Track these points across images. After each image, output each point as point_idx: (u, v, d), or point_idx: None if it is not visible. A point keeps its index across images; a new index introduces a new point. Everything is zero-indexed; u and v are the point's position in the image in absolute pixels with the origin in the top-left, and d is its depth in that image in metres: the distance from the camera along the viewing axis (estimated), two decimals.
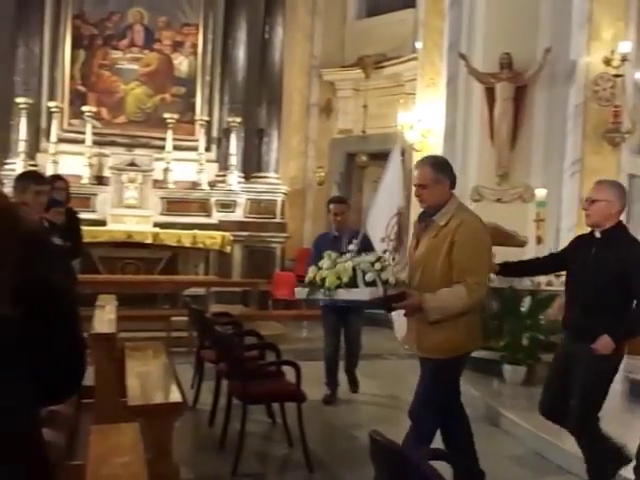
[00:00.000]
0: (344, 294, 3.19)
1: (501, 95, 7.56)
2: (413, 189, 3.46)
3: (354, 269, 3.15)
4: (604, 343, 3.39)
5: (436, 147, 8.83)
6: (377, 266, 3.17)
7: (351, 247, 3.43)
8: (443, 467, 2.16)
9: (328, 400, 5.69)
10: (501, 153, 7.62)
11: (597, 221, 3.58)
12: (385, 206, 5.67)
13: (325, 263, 3.26)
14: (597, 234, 3.63)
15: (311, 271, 3.31)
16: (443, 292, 3.20)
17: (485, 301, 3.48)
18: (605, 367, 3.51)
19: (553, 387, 3.75)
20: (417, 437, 3.28)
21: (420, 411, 3.36)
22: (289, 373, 4.45)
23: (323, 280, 3.20)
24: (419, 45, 9.53)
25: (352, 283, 3.15)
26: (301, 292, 3.37)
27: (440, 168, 3.38)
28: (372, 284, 3.13)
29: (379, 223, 5.00)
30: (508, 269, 3.91)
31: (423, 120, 9.10)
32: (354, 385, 5.96)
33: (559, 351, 3.87)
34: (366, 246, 4.13)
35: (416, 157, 9.46)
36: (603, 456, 3.59)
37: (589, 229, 3.71)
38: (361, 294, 3.16)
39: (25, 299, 1.15)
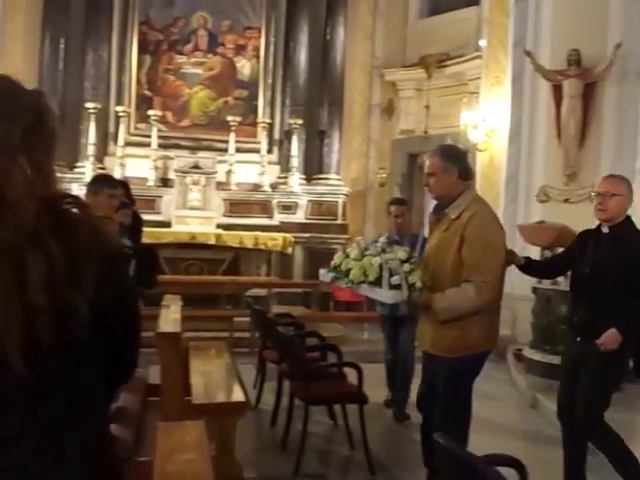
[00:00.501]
0: (367, 291, 3.12)
1: (569, 93, 7.36)
2: None
3: (381, 267, 3.05)
4: (610, 337, 3.29)
5: (501, 147, 8.67)
6: (406, 267, 3.06)
7: (381, 239, 3.36)
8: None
9: (389, 403, 5.55)
10: (569, 152, 7.42)
11: (613, 216, 3.47)
12: None
13: (353, 252, 3.17)
14: (605, 229, 3.52)
15: (337, 257, 3.25)
16: (451, 292, 3.10)
17: (499, 302, 3.27)
18: (611, 365, 3.43)
19: (565, 392, 3.66)
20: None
21: (444, 416, 3.25)
22: (351, 375, 4.43)
23: (348, 270, 3.12)
24: (483, 43, 9.37)
25: (377, 282, 3.06)
26: (325, 275, 3.30)
27: (449, 157, 3.28)
28: (397, 287, 3.03)
29: None
30: (529, 267, 3.68)
31: (487, 119, 8.94)
32: (401, 416, 5.24)
33: (565, 354, 3.80)
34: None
35: (480, 157, 9.31)
36: (622, 454, 3.46)
37: (595, 224, 3.64)
38: (384, 296, 3.09)
39: (100, 316, 1.19)
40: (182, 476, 1.84)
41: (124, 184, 6.08)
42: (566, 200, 7.27)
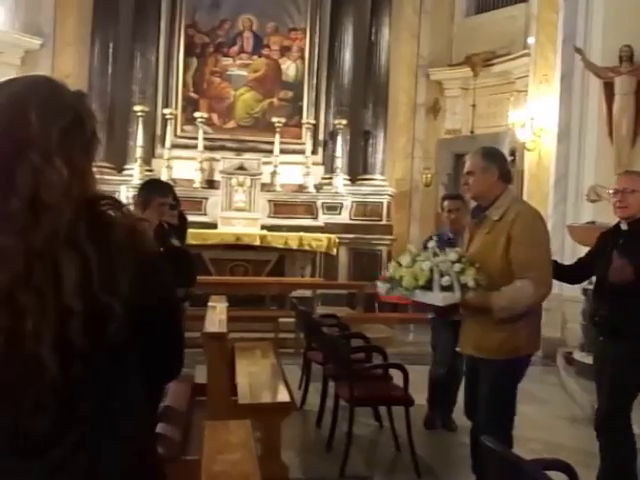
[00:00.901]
0: (420, 296, 3.07)
1: (621, 90, 7.18)
2: None
3: (431, 270, 3.01)
4: None
5: (550, 146, 8.49)
6: (457, 267, 3.00)
7: (430, 244, 3.27)
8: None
9: (433, 422, 5.04)
10: (621, 150, 7.23)
11: (635, 212, 3.41)
12: None
13: (404, 260, 3.13)
14: (624, 226, 3.45)
15: (391, 267, 3.21)
16: (509, 289, 3.04)
17: (542, 304, 3.24)
18: (632, 364, 3.35)
19: (599, 391, 3.61)
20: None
21: (490, 419, 3.17)
22: (396, 376, 4.40)
23: (401, 279, 3.08)
24: (532, 40, 9.19)
25: (428, 285, 3.01)
26: (382, 287, 3.26)
27: (490, 157, 3.28)
28: (448, 288, 2.98)
29: None
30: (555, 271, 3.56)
31: (536, 118, 8.76)
32: (452, 425, 4.99)
33: (594, 353, 3.76)
34: None
35: (528, 157, 9.15)
36: (626, 465, 3.40)
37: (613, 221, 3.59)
38: (435, 299, 3.03)
39: (138, 318, 1.19)
40: (229, 476, 1.84)
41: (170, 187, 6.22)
42: None
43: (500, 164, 3.26)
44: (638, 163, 7.15)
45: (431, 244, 3.22)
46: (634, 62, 7.08)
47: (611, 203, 3.57)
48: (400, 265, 3.13)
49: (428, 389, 5.04)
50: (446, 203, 5.02)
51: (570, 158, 7.88)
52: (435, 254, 3.10)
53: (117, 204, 1.24)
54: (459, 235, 4.46)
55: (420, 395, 4.56)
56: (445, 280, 2.98)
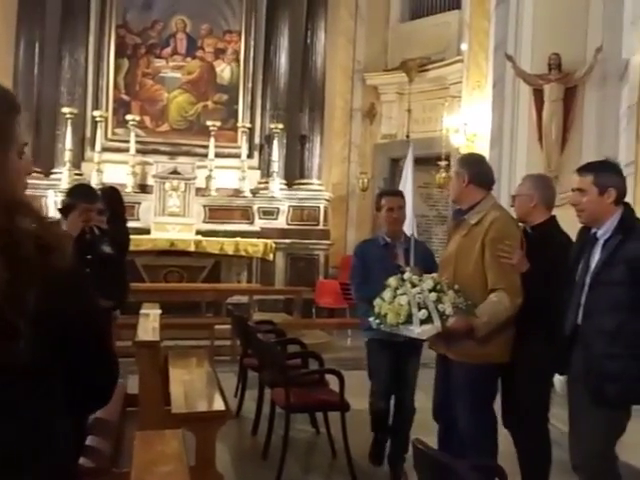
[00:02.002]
0: (405, 331, 3.07)
1: (550, 97, 7.35)
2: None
3: (409, 303, 3.00)
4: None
5: (483, 151, 8.63)
6: (432, 297, 2.99)
7: (406, 275, 3.19)
8: None
9: (379, 456, 4.37)
10: (550, 156, 7.40)
11: (520, 215, 3.52)
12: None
13: (386, 295, 3.12)
14: (528, 229, 3.50)
15: (376, 303, 3.18)
16: (487, 305, 3.08)
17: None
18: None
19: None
20: (480, 452, 3.14)
21: (470, 422, 3.21)
22: (333, 382, 4.38)
23: (385, 315, 3.08)
24: (464, 47, 9.37)
25: (410, 320, 3.00)
26: (373, 323, 3.25)
27: (462, 162, 3.44)
28: (427, 321, 2.98)
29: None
30: None
31: (469, 124, 8.92)
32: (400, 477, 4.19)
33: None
34: (425, 256, 3.97)
35: None
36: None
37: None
38: (417, 333, 3.01)
39: (50, 339, 1.10)
40: None
41: (115, 191, 6.08)
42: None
43: (471, 169, 3.31)
44: (566, 168, 7.33)
45: (407, 275, 3.18)
46: (562, 70, 7.25)
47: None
48: (384, 301, 3.12)
49: (371, 422, 4.36)
50: (385, 200, 4.25)
51: (502, 163, 8.02)
52: (413, 284, 3.08)
53: (34, 213, 1.13)
54: (397, 239, 4.09)
55: (356, 400, 4.52)
56: (422, 314, 2.97)
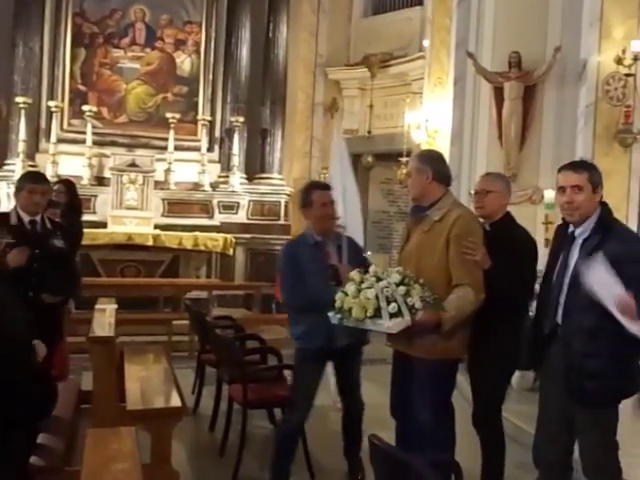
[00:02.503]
0: (372, 325, 3.03)
1: (510, 95, 7.43)
2: None
3: (377, 297, 2.96)
4: None
5: (444, 148, 8.69)
6: (401, 290, 2.97)
7: (372, 268, 3.15)
8: None
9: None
10: (510, 154, 7.49)
11: (491, 213, 3.55)
12: (355, 210, 5.34)
13: (350, 289, 3.06)
14: (487, 227, 3.53)
15: (338, 297, 3.11)
16: (455, 300, 3.09)
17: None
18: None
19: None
20: (439, 447, 3.15)
21: (431, 419, 3.20)
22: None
23: (350, 309, 3.03)
24: (426, 43, 9.41)
25: (378, 314, 2.96)
26: (333, 318, 3.15)
27: (424, 159, 3.39)
28: (397, 314, 2.95)
29: (355, 231, 4.60)
30: None
31: (430, 120, 8.96)
32: (358, 472, 4.11)
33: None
34: (357, 254, 3.90)
35: None
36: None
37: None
38: (387, 327, 2.98)
39: None
40: None
41: (70, 184, 5.99)
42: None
43: (435, 166, 3.31)
44: (525, 166, 7.44)
45: (372, 268, 3.15)
46: (522, 68, 7.34)
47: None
48: (347, 295, 3.06)
49: (275, 450, 3.87)
50: (317, 195, 3.79)
51: (463, 160, 8.09)
52: (378, 278, 3.04)
53: None
54: (329, 237, 3.78)
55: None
56: (392, 307, 2.94)
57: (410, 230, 3.38)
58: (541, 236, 6.58)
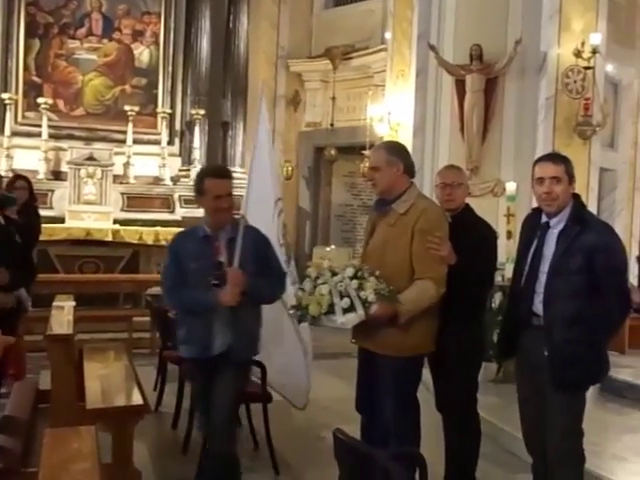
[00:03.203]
0: (327, 322, 2.96)
1: (471, 87, 7.44)
2: None
3: (331, 293, 2.90)
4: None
5: (406, 140, 8.69)
6: (354, 284, 2.91)
7: (325, 263, 3.09)
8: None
9: None
10: (472, 146, 7.51)
11: (459, 205, 3.56)
12: (264, 196, 4.64)
13: (306, 285, 3.00)
14: (448, 219, 3.50)
15: (294, 295, 3.06)
16: (413, 292, 3.05)
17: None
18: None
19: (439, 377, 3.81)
20: (407, 443, 3.11)
21: (398, 415, 3.18)
22: (255, 373, 4.23)
23: (307, 306, 2.96)
24: (388, 35, 9.40)
25: (332, 310, 2.90)
26: (294, 315, 3.11)
27: (394, 151, 3.29)
28: (350, 309, 2.90)
29: (262, 218, 4.05)
30: None
31: (393, 113, 8.95)
32: None
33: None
34: (257, 246, 3.27)
35: None
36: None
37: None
38: (341, 323, 2.92)
39: None
40: None
41: (25, 180, 5.88)
42: (469, 194, 7.34)
43: (404, 158, 3.26)
44: (487, 158, 7.48)
45: (327, 263, 3.08)
46: (484, 61, 7.36)
47: (437, 197, 3.64)
48: (304, 291, 2.99)
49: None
50: (210, 183, 3.23)
51: (425, 153, 8.10)
52: (333, 273, 2.97)
53: None
54: (223, 229, 3.28)
55: None
56: (344, 302, 2.88)
57: (374, 224, 3.32)
58: (503, 228, 6.62)
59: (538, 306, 2.93)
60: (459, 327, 3.41)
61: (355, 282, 2.92)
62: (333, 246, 10.09)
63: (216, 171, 3.43)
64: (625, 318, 3.09)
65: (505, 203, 6.75)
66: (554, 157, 3.03)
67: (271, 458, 4.11)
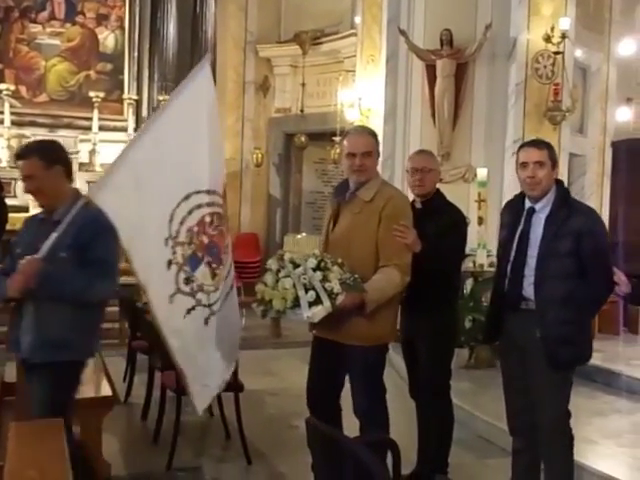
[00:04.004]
0: (293, 316, 2.85)
1: (442, 72, 7.42)
2: None
3: (294, 286, 2.80)
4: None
5: (377, 126, 8.63)
6: (318, 275, 2.80)
7: (287, 255, 2.91)
8: None
9: None
10: (443, 132, 7.49)
11: (430, 191, 3.57)
12: (172, 174, 2.92)
13: (269, 279, 2.86)
14: (418, 205, 3.54)
15: (257, 288, 2.91)
16: (378, 281, 2.98)
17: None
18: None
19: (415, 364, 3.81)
20: (377, 430, 3.08)
21: (371, 404, 3.14)
22: None
23: (271, 301, 2.85)
24: (358, 20, 9.30)
25: (297, 303, 2.80)
26: (257, 310, 2.97)
27: (376, 137, 3.26)
28: (316, 302, 2.79)
29: (154, 202, 2.81)
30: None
31: (364, 98, 8.87)
32: None
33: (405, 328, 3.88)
34: (83, 231, 2.80)
35: None
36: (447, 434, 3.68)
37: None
38: (308, 317, 2.81)
39: None
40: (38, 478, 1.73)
41: None
42: (440, 180, 7.33)
43: (377, 144, 3.22)
44: (458, 144, 7.47)
45: (287, 255, 2.93)
46: (454, 46, 7.33)
47: (408, 182, 3.64)
48: (266, 285, 2.87)
49: None
50: (17, 164, 3.03)
51: (396, 139, 8.06)
52: (295, 265, 2.85)
53: None
54: (55, 213, 2.91)
55: (250, 380, 4.49)
56: (310, 295, 2.77)
57: (336, 211, 3.21)
58: (474, 214, 6.62)
59: (527, 289, 2.99)
60: (431, 313, 3.43)
61: (319, 274, 2.81)
62: (304, 233, 10.01)
63: (23, 153, 2.95)
64: (607, 299, 3.16)
65: (476, 189, 6.75)
66: (538, 143, 3.10)
67: (243, 447, 4.08)
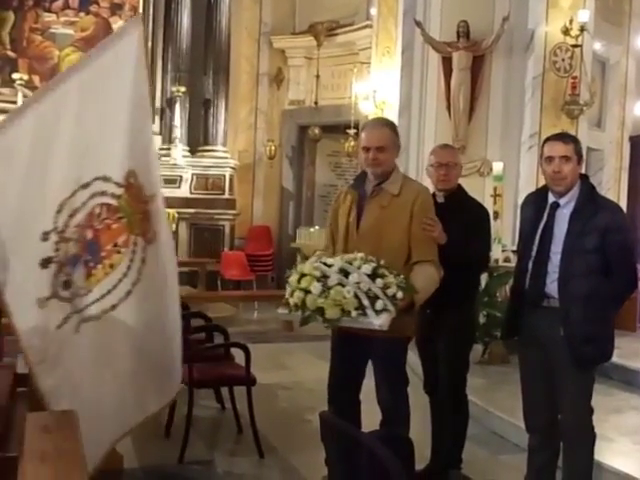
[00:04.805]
0: (350, 322, 2.76)
1: (458, 65, 7.33)
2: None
3: (356, 295, 2.71)
4: None
5: (392, 119, 8.56)
6: (379, 283, 2.75)
7: (330, 260, 2.83)
8: None
9: None
10: (458, 125, 7.40)
11: (454, 185, 3.55)
12: (72, 154, 2.47)
13: (314, 288, 2.74)
14: (440, 199, 3.49)
15: (295, 295, 2.79)
16: (423, 279, 2.96)
17: None
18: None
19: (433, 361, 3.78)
20: (399, 421, 3.09)
21: (395, 395, 3.14)
22: (239, 356, 4.25)
23: (319, 309, 2.74)
24: (373, 11, 9.23)
25: (360, 312, 2.73)
26: (286, 316, 2.91)
27: (396, 130, 3.20)
28: (384, 310, 2.74)
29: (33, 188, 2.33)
30: None
31: (378, 91, 8.80)
32: None
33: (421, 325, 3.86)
34: None
35: None
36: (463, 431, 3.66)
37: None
38: (375, 324, 2.72)
39: None
40: (53, 470, 1.68)
41: None
42: None
43: (398, 138, 3.18)
44: (474, 137, 7.38)
45: (331, 260, 2.84)
46: (471, 38, 7.24)
47: (431, 176, 3.59)
48: (308, 293, 2.75)
49: None
50: None
51: (411, 131, 7.99)
52: (345, 272, 2.76)
53: None
54: None
55: (263, 374, 4.45)
56: (379, 304, 2.72)
57: (360, 204, 3.14)
58: (490, 208, 6.51)
59: (550, 287, 2.94)
60: (453, 311, 3.41)
61: (380, 281, 2.76)
62: (317, 226, 9.97)
63: None
64: (631, 295, 3.13)
65: (492, 183, 6.67)
66: (564, 136, 3.08)
67: (255, 442, 4.04)
